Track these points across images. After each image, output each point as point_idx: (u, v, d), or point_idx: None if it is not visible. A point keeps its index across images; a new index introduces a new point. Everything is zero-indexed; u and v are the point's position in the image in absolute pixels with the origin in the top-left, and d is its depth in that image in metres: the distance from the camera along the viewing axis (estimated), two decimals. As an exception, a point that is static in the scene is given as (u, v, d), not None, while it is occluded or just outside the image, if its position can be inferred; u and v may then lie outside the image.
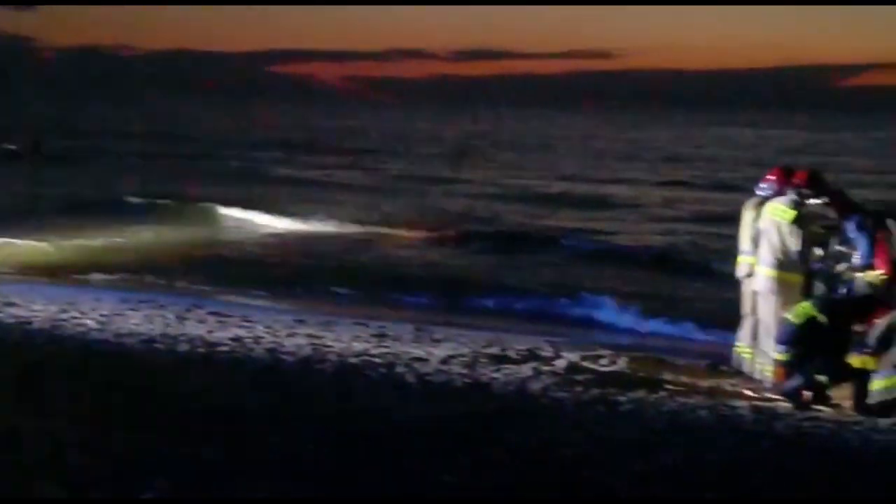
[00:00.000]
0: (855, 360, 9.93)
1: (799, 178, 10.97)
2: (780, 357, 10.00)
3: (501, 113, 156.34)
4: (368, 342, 11.93)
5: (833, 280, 10.79)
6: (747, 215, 11.32)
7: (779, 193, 11.02)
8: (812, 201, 10.89)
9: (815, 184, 10.96)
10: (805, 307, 9.99)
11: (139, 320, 12.69)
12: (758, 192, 11.26)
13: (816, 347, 9.73)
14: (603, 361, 11.29)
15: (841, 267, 10.79)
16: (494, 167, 50.28)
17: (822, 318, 9.78)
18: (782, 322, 10.20)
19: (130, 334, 11.54)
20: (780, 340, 10.05)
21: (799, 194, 10.84)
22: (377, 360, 10.62)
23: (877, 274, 10.48)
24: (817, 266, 10.94)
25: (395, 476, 5.69)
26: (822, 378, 9.76)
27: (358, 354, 10.92)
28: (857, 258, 10.66)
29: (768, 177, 11.22)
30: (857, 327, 9.94)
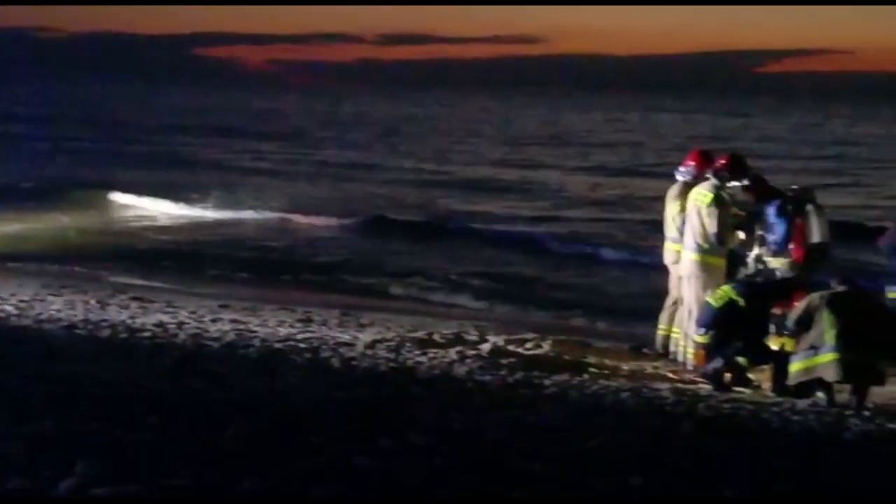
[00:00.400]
0: (774, 342, 10.13)
1: (720, 163, 11.12)
2: (701, 340, 10.17)
3: (428, 97, 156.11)
4: (294, 327, 11.89)
5: (754, 263, 10.98)
6: (671, 200, 11.46)
7: (699, 177, 11.16)
8: (732, 184, 11.05)
9: (736, 168, 11.11)
10: (725, 290, 10.16)
11: (60, 305, 12.51)
12: (678, 177, 11.40)
13: (736, 330, 9.89)
14: (528, 345, 11.38)
15: (760, 251, 10.98)
16: (420, 152, 50.29)
17: (741, 301, 9.95)
18: (703, 305, 10.36)
19: (51, 320, 11.37)
20: (701, 323, 10.21)
21: (719, 178, 10.99)
22: (302, 344, 10.58)
23: (794, 258, 10.68)
24: (738, 250, 11.13)
25: (311, 459, 5.68)
26: (741, 360, 9.92)
27: (283, 339, 10.87)
28: (775, 242, 10.86)
29: (688, 161, 11.37)
30: (776, 310, 10.13)
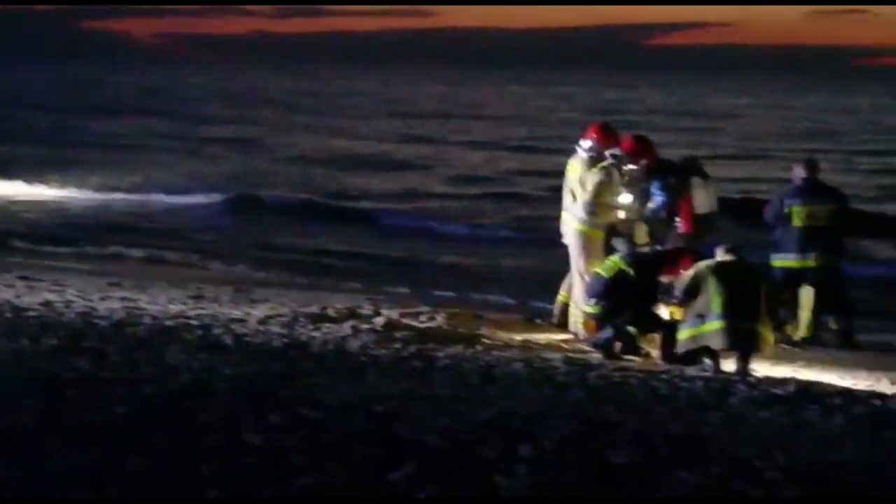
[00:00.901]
0: (663, 310, 10.33)
1: (624, 146, 11.24)
2: (591, 310, 10.32)
3: (321, 71, 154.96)
4: (185, 304, 11.75)
5: (644, 233, 11.15)
6: (569, 172, 11.54)
7: (600, 154, 11.25)
8: (629, 167, 11.18)
9: (639, 152, 11.26)
10: (614, 261, 10.32)
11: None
12: (579, 151, 11.48)
13: (625, 300, 10.05)
14: (422, 318, 11.40)
15: (649, 222, 11.16)
16: (313, 127, 49.95)
17: (630, 271, 10.10)
18: (593, 276, 10.50)
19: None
20: (591, 294, 10.36)
21: (617, 160, 11.12)
22: (193, 321, 10.45)
23: (681, 230, 10.89)
24: (627, 219, 11.28)
25: (199, 437, 5.63)
26: (631, 329, 10.09)
27: (174, 317, 10.72)
28: (662, 214, 11.05)
29: (589, 134, 11.42)
30: (665, 280, 10.31)
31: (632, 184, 11.18)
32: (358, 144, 43.13)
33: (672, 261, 10.40)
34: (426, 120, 57.78)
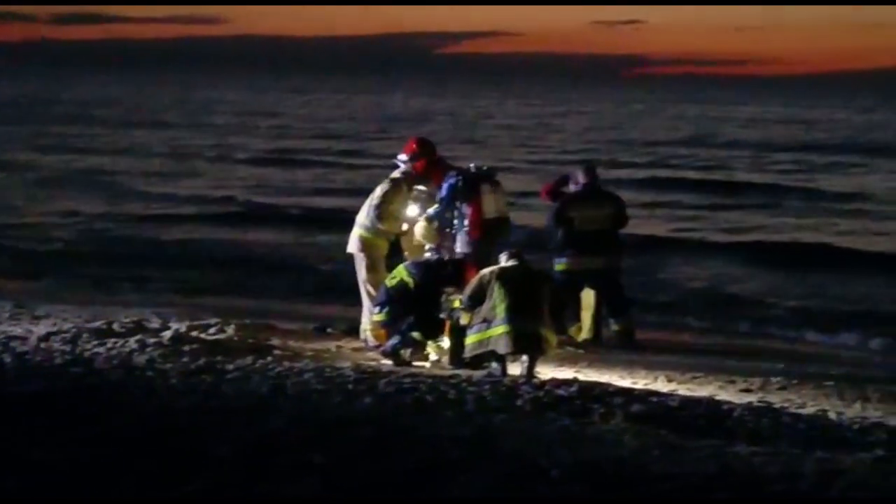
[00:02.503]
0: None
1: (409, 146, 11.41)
2: (378, 318, 10.45)
3: (107, 79, 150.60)
4: (-39, 323, 11.27)
5: (433, 234, 11.29)
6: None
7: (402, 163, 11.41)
8: (404, 166, 11.31)
9: (420, 151, 11.39)
10: (399, 270, 10.49)
11: None
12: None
13: (410, 307, 10.21)
14: (212, 330, 11.26)
15: (438, 230, 11.32)
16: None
17: (411, 280, 10.29)
18: (381, 285, 10.64)
19: None
20: (377, 302, 10.50)
21: (403, 163, 11.27)
22: (-31, 341, 10.04)
23: (471, 236, 11.09)
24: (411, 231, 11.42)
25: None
26: (416, 335, 10.24)
27: (-54, 337, 10.26)
28: (454, 221, 11.23)
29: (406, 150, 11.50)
30: (452, 286, 10.49)
31: (419, 198, 11.36)
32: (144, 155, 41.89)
33: (458, 268, 10.60)
34: (224, 128, 56.75)
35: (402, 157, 11.43)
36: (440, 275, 10.48)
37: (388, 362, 10.25)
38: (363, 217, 11.35)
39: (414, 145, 11.44)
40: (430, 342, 10.45)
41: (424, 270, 10.47)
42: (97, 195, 28.49)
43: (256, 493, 5.65)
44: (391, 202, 11.14)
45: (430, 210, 11.17)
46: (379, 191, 11.21)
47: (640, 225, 20.31)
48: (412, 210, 11.28)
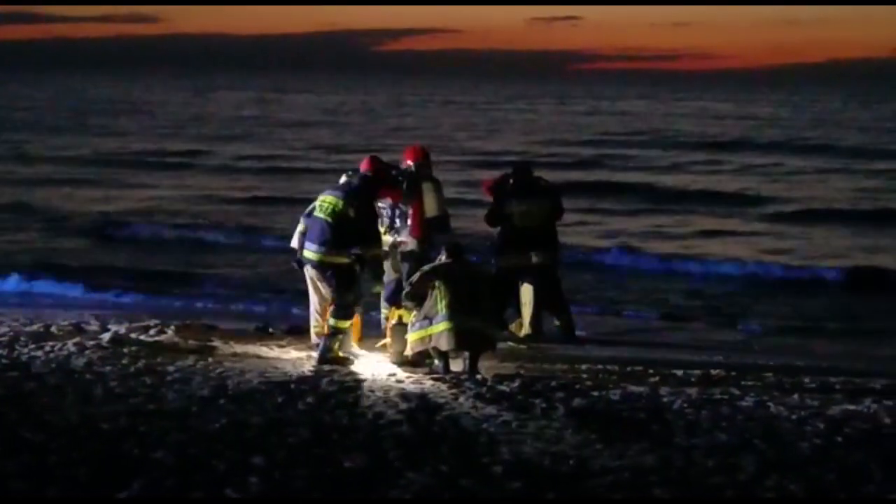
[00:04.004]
0: (394, 314, 10.51)
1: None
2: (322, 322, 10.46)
3: (38, 80, 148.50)
4: None
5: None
6: None
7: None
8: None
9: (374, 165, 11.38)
10: None
11: None
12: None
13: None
14: (152, 332, 11.16)
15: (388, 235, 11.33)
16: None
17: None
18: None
19: None
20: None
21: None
22: None
23: (413, 235, 11.10)
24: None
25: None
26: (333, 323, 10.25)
27: None
28: (398, 223, 11.23)
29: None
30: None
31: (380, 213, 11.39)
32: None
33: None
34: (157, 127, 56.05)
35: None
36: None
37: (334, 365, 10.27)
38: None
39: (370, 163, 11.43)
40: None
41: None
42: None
43: (195, 497, 5.62)
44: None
45: (396, 225, 11.17)
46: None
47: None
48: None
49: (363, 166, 10.61)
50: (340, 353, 10.13)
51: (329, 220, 10.09)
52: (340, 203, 10.15)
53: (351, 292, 10.18)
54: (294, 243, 10.61)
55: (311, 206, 10.46)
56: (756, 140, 50.93)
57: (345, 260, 10.13)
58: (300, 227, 10.51)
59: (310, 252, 10.18)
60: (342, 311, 10.10)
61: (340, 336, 10.14)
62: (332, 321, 10.12)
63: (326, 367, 9.76)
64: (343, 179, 10.67)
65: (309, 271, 10.35)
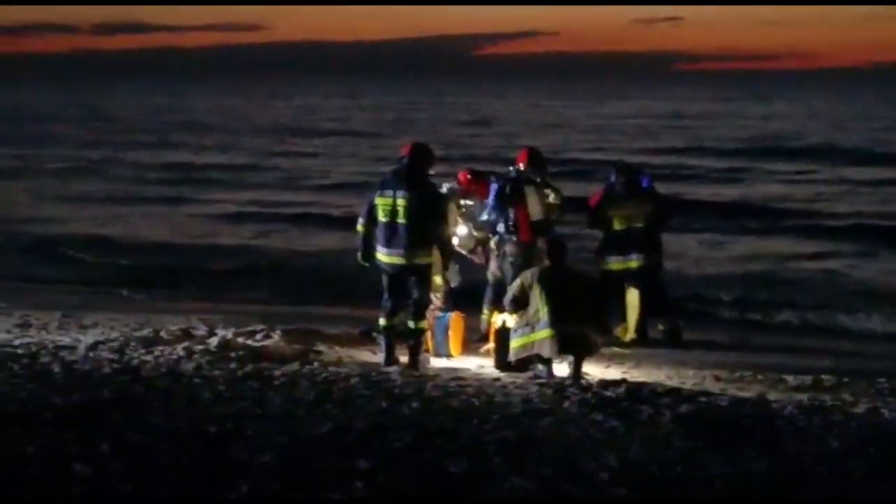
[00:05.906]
0: (497, 318, 10.48)
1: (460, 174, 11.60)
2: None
3: (145, 87, 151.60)
4: (10, 332, 11.38)
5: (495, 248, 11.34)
6: None
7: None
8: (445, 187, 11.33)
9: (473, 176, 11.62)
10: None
11: None
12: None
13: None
14: (258, 336, 11.29)
15: (491, 238, 11.36)
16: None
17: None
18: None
19: None
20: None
21: (451, 188, 11.41)
22: (20, 350, 10.13)
23: (521, 239, 11.10)
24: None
25: (25, 469, 5.49)
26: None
27: (-2, 346, 10.37)
28: (501, 227, 11.24)
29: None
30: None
31: (468, 217, 11.48)
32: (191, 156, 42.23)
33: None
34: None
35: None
36: None
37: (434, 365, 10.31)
38: None
39: (466, 176, 11.62)
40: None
41: None
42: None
43: (299, 499, 5.65)
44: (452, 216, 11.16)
45: (483, 216, 11.23)
46: None
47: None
48: (461, 229, 11.37)
49: (404, 151, 10.42)
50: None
51: (404, 222, 9.99)
52: (406, 201, 10.01)
53: (429, 292, 10.30)
54: (358, 243, 10.51)
55: (368, 206, 10.30)
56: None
57: (428, 260, 10.18)
58: (362, 230, 10.39)
59: (392, 257, 10.11)
60: (422, 312, 10.21)
61: (423, 337, 10.26)
62: (412, 323, 10.18)
63: (430, 373, 9.78)
64: (388, 175, 10.39)
65: (389, 274, 10.28)
